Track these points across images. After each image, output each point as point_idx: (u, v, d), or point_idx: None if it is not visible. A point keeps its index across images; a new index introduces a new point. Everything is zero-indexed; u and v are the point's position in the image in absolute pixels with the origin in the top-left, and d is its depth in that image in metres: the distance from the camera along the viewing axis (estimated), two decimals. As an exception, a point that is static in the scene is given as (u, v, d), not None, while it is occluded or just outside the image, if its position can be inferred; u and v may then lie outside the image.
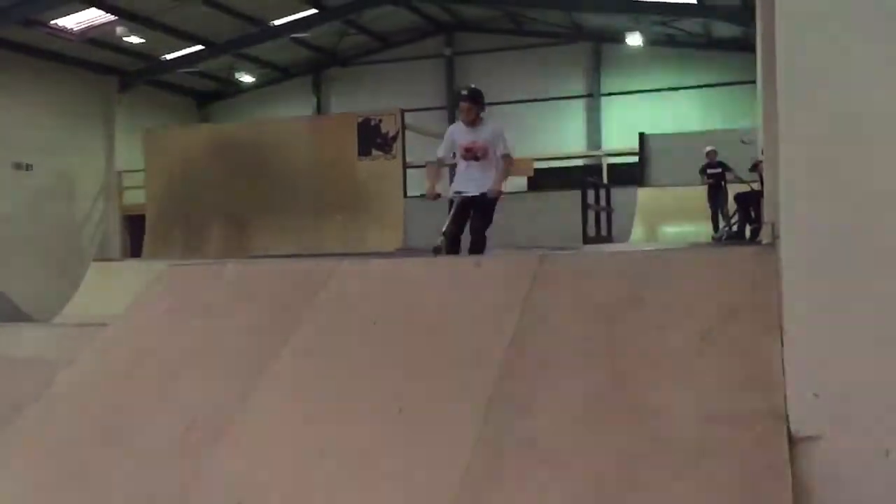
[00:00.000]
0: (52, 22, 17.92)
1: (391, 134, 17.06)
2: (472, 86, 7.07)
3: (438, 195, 6.95)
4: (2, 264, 15.36)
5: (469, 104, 6.68)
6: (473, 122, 6.66)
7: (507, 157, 6.67)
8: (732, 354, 3.26)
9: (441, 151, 6.91)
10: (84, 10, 17.68)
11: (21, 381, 4.79)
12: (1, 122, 17.89)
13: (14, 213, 17.98)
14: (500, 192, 6.72)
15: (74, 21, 18.24)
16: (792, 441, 2.81)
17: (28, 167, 18.66)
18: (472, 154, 6.63)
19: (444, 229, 6.67)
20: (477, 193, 6.63)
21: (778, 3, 2.90)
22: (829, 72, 2.78)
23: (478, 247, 6.76)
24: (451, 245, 6.78)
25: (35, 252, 17.86)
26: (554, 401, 3.38)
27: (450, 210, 6.80)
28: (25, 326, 7.98)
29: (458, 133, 6.74)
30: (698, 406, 3.07)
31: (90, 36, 18.86)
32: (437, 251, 6.65)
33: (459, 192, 6.71)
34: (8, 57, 18.15)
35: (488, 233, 6.87)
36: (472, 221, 6.74)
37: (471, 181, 6.70)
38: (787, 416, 2.86)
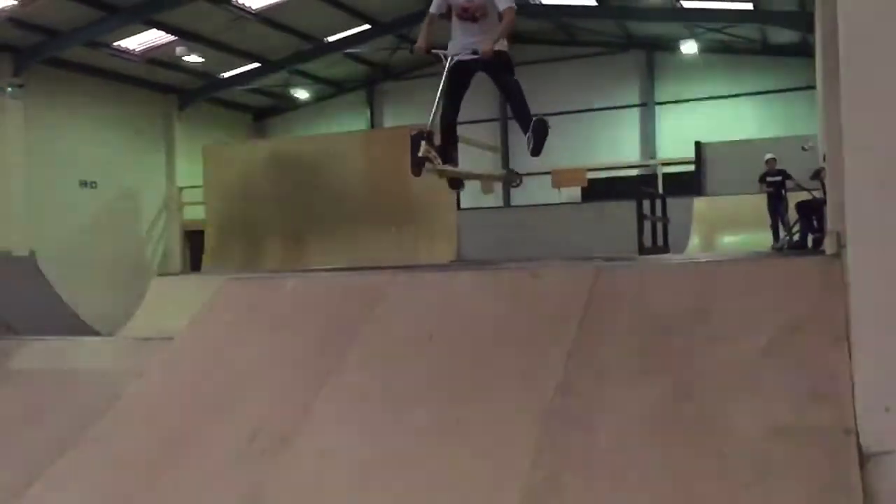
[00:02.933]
0: (115, 43, 18.49)
1: (444, 146, 17.10)
2: None
3: (429, 49, 6.02)
4: (68, 279, 15.83)
5: None
6: None
7: (508, 11, 5.78)
8: (798, 367, 3.19)
9: (433, 7, 5.99)
10: (145, 31, 18.20)
11: (90, 394, 4.92)
12: (68, 142, 18.49)
13: (80, 229, 18.54)
14: (492, 51, 5.72)
15: (137, 42, 18.80)
16: (862, 457, 2.73)
17: (93, 185, 19.23)
18: (469, 14, 5.80)
19: (435, 108, 5.89)
20: (477, 57, 5.79)
21: (840, 5, 2.85)
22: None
23: (517, 102, 6.04)
24: (446, 131, 6.10)
25: (100, 267, 18.38)
26: (613, 415, 3.34)
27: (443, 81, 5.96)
28: (92, 340, 8.20)
29: None
30: (763, 421, 3.01)
31: (151, 56, 19.40)
32: (419, 137, 5.90)
33: (455, 56, 5.88)
34: (74, 78, 18.77)
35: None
36: (496, 82, 6.09)
37: (468, 47, 5.85)
38: (857, 431, 2.78)
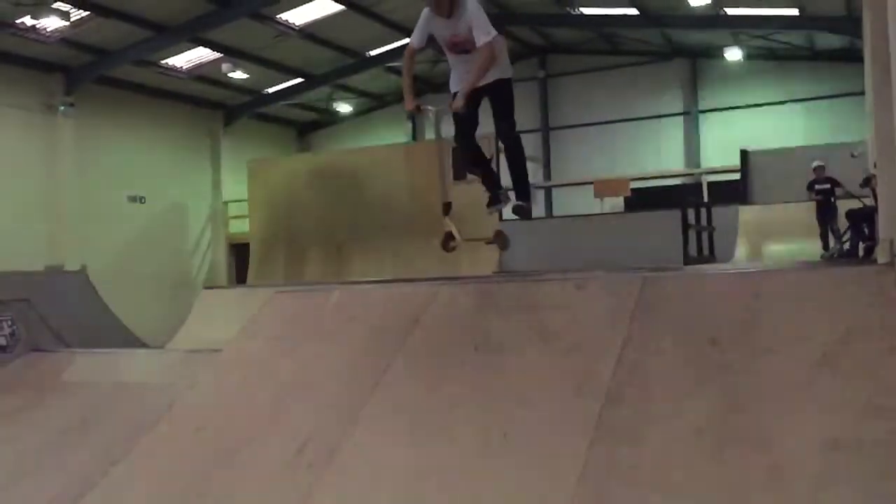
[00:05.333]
0: (162, 61, 18.88)
1: (486, 158, 17.12)
2: None
3: (419, 107, 5.34)
4: (117, 292, 16.11)
5: None
6: (451, 11, 5.10)
7: (484, 47, 5.01)
8: (853, 379, 3.12)
9: (414, 40, 5.35)
10: (192, 49, 18.57)
11: (141, 405, 5.01)
12: (117, 158, 18.91)
13: (129, 243, 18.93)
14: (473, 86, 5.04)
15: (184, 60, 19.17)
16: (922, 471, 2.66)
17: (141, 199, 19.64)
18: (460, 47, 5.23)
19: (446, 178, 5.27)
20: (481, 85, 5.14)
21: (890, 9, 2.80)
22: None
23: (514, 153, 5.43)
24: (473, 161, 5.49)
25: (147, 280, 18.72)
26: (662, 428, 3.30)
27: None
28: (143, 353, 8.35)
29: (436, 26, 5.24)
30: (818, 433, 2.95)
31: (198, 73, 19.76)
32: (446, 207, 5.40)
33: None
34: (123, 96, 19.20)
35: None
36: (495, 123, 5.34)
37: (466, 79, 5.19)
38: (916, 445, 2.71)
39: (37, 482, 4.68)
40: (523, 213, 5.79)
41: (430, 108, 5.38)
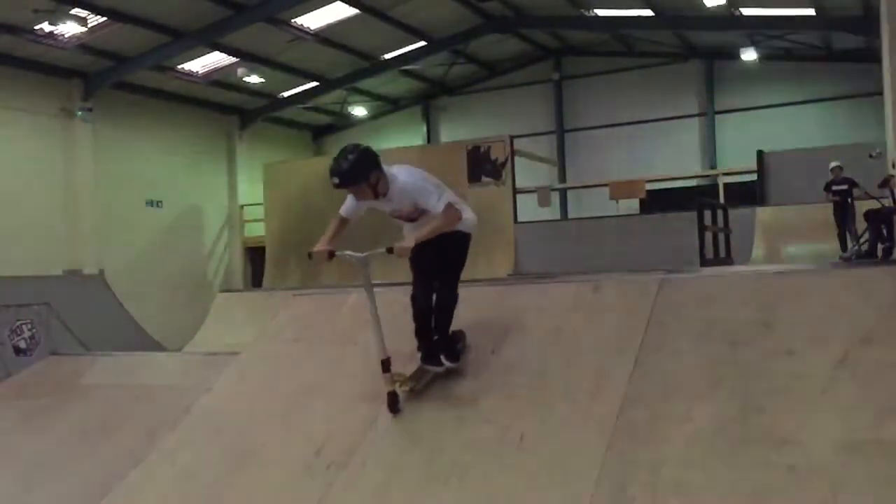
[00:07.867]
0: (179, 66, 19.00)
1: (500, 160, 17.16)
2: (344, 163, 4.51)
3: (331, 254, 4.76)
4: (135, 296, 16.25)
5: (356, 188, 4.55)
6: (377, 194, 4.61)
7: (445, 212, 4.50)
8: (871, 380, 3.11)
9: (345, 211, 4.90)
10: (208, 53, 18.67)
11: (160, 408, 5.05)
12: (135, 162, 19.05)
13: (147, 247, 19.04)
14: (423, 240, 4.45)
15: (200, 64, 19.27)
16: (942, 473, 2.64)
17: (158, 204, 19.76)
18: (405, 218, 4.81)
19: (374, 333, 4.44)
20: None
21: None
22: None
23: (441, 313, 4.54)
24: (419, 317, 4.53)
25: (166, 284, 18.83)
26: (680, 429, 3.30)
27: None
28: (161, 356, 8.41)
29: (369, 204, 4.77)
30: (836, 435, 2.94)
31: (214, 78, 19.86)
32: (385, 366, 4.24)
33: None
34: (140, 101, 19.34)
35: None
36: (432, 280, 4.67)
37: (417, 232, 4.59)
38: (936, 447, 2.69)
39: (58, 484, 4.72)
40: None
41: (351, 254, 4.77)
